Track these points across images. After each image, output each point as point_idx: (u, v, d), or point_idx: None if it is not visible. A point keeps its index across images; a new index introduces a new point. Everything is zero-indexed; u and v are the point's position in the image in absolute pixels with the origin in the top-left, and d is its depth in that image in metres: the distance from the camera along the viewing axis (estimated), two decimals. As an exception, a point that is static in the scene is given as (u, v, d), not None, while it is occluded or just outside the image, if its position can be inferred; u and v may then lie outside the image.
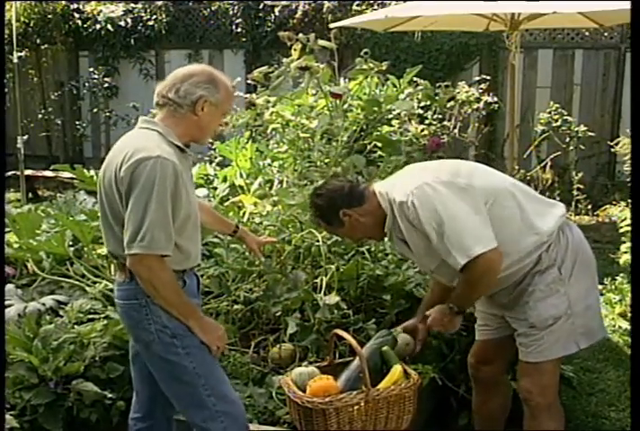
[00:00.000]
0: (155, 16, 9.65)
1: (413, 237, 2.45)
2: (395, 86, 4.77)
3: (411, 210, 2.37)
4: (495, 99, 6.90)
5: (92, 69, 9.89)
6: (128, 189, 2.09)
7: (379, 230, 2.55)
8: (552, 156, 7.23)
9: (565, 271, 2.43)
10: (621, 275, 4.73)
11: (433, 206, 2.34)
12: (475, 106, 6.12)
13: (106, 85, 9.85)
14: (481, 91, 6.57)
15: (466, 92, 6.03)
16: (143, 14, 9.72)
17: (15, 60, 7.31)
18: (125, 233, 2.10)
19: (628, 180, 4.97)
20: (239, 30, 9.31)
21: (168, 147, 2.16)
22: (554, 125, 7.34)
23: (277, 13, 9.00)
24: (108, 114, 9.90)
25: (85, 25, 9.92)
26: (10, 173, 8.05)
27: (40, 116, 10.05)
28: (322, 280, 3.10)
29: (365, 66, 4.46)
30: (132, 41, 9.75)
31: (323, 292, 3.03)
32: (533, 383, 2.49)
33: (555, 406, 2.56)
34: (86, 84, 10.05)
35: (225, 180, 4.80)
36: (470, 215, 2.34)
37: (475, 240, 2.30)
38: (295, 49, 4.32)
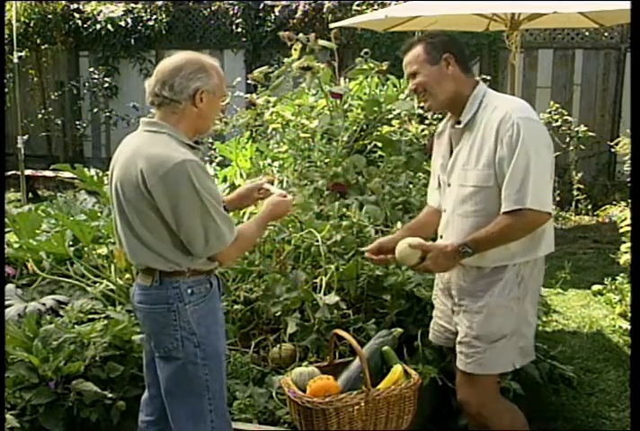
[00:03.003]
0: (155, 16, 9.66)
1: (483, 145, 2.33)
2: (395, 86, 4.78)
3: (512, 130, 2.25)
4: (495, 99, 6.89)
5: (92, 69, 9.91)
6: (170, 202, 2.03)
7: (449, 96, 2.39)
8: (552, 156, 7.23)
9: (524, 291, 2.38)
10: (621, 275, 4.74)
11: (532, 144, 2.25)
12: (475, 106, 6.11)
13: (106, 85, 9.87)
14: (481, 91, 6.55)
15: (467, 91, 6.01)
16: (143, 14, 9.73)
17: (15, 60, 7.32)
18: (190, 244, 2.09)
19: (628, 180, 4.96)
20: (239, 30, 9.33)
21: (182, 148, 2.11)
22: (554, 125, 7.35)
23: (277, 13, 9.01)
24: (108, 114, 9.91)
25: (85, 25, 9.94)
26: (10, 173, 8.08)
27: (40, 116, 10.06)
28: (322, 280, 3.09)
29: (365, 66, 4.47)
30: (132, 41, 9.77)
31: (322, 292, 3.02)
32: (471, 396, 2.43)
33: (502, 406, 2.49)
34: (86, 84, 10.06)
35: (225, 180, 4.80)
36: (547, 173, 2.30)
37: (536, 197, 2.24)
38: (295, 49, 4.32)
